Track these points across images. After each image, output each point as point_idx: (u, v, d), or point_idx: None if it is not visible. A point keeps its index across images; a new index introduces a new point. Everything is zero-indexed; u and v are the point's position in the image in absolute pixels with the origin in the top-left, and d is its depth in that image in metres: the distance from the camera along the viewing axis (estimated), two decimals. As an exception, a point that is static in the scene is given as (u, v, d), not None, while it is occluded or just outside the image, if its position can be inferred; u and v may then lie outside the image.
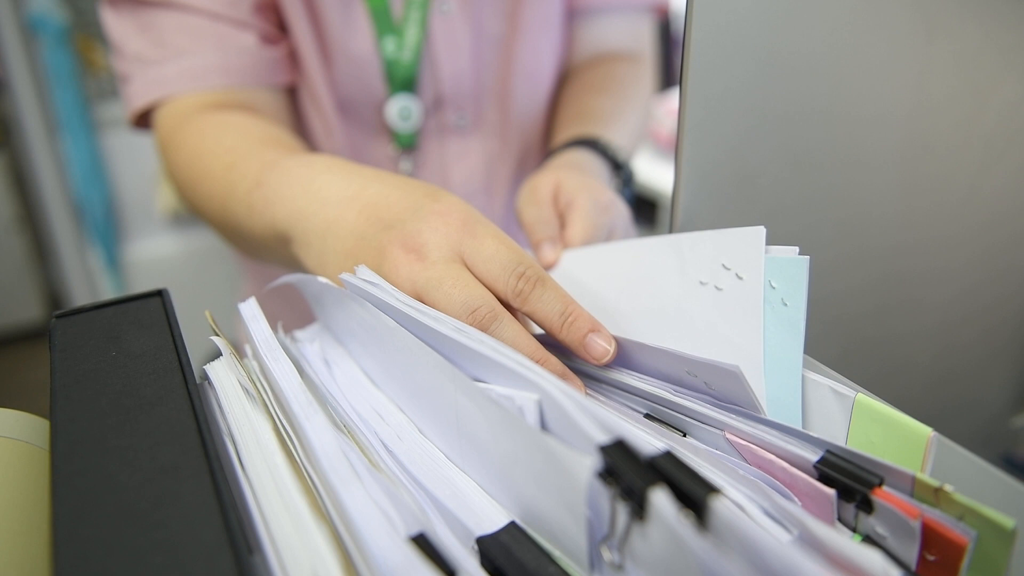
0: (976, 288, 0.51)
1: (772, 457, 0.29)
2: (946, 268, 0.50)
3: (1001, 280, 0.51)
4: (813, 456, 0.28)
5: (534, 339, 0.35)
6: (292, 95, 0.66)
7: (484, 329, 0.34)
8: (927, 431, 0.28)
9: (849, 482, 0.27)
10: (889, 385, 0.52)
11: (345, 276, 0.36)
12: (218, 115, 0.56)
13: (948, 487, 0.25)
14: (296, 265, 0.46)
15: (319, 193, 0.42)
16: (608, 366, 0.36)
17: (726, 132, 0.41)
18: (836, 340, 0.50)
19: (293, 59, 0.63)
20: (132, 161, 2.00)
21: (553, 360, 0.35)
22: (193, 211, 0.58)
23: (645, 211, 1.89)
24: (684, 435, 0.33)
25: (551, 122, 0.73)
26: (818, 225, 0.46)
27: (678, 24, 1.99)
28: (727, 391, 0.31)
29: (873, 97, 0.43)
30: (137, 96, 0.59)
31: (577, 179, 0.52)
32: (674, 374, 0.33)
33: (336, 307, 0.37)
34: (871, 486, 0.27)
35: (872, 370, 0.52)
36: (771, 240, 0.35)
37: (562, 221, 0.50)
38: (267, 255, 0.51)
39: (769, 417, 0.30)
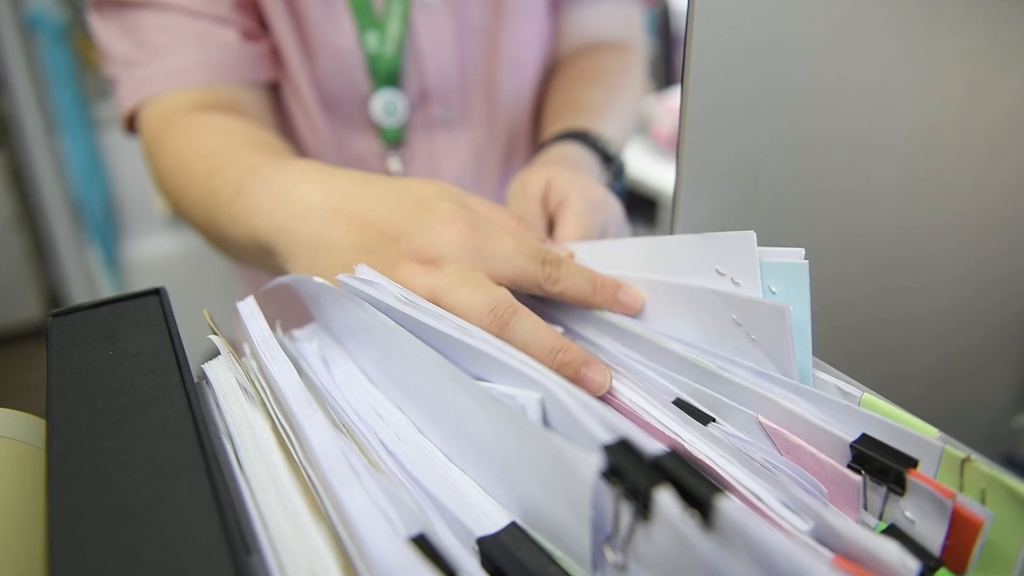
0: (979, 289, 0.51)
1: (802, 443, 0.30)
2: (949, 267, 0.50)
3: (1003, 281, 0.51)
4: (849, 436, 0.29)
5: (554, 330, 0.36)
6: (275, 93, 0.66)
7: (505, 324, 0.35)
8: (933, 432, 0.28)
9: (887, 460, 0.27)
10: (893, 386, 0.52)
11: (342, 277, 0.36)
12: (201, 117, 0.56)
13: (975, 456, 0.26)
14: (282, 274, 0.46)
15: (299, 203, 0.42)
16: (642, 333, 0.36)
17: (728, 132, 0.41)
18: (840, 340, 0.49)
19: (275, 56, 0.63)
20: (131, 160, 1.99)
21: (575, 348, 0.35)
22: (180, 216, 0.58)
23: (645, 210, 1.88)
24: (707, 423, 0.33)
25: (540, 114, 0.72)
26: (819, 224, 0.45)
27: (679, 22, 1.99)
28: (770, 338, 0.32)
29: (876, 96, 0.42)
30: (125, 98, 0.59)
31: (568, 176, 0.52)
32: (715, 326, 0.34)
33: (334, 307, 0.37)
34: (908, 465, 0.27)
35: (876, 371, 0.52)
36: (772, 240, 0.35)
37: (554, 220, 0.49)
38: (254, 263, 0.51)
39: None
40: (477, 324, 0.34)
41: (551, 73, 0.74)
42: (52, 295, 2.30)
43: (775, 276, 0.34)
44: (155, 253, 2.10)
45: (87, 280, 2.06)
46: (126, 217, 2.07)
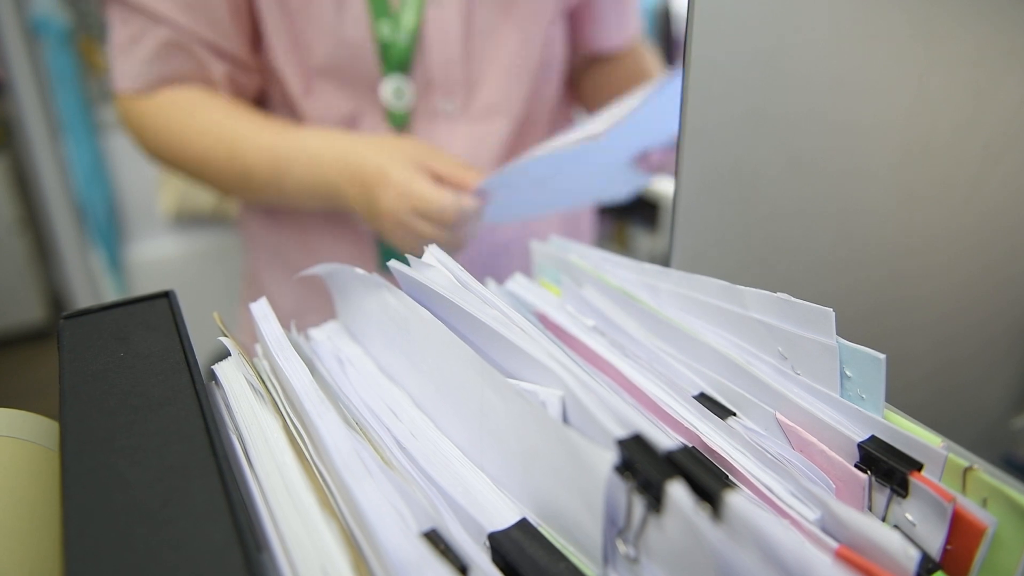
0: (977, 295, 0.51)
1: (813, 440, 0.30)
2: (947, 273, 0.50)
3: (1001, 286, 0.51)
4: (859, 436, 0.29)
5: None
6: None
7: None
8: (937, 441, 0.29)
9: (891, 462, 0.28)
10: (894, 391, 0.52)
11: (393, 264, 0.36)
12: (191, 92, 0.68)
13: (977, 466, 0.26)
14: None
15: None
16: (678, 325, 0.37)
17: (726, 134, 0.41)
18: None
19: (261, 91, 0.73)
20: (134, 162, 2.00)
21: None
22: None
23: (647, 213, 1.89)
24: (726, 418, 0.33)
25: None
26: (817, 227, 0.45)
27: (679, 26, 1.99)
28: (815, 376, 0.32)
29: (873, 99, 0.43)
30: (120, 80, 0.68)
31: None
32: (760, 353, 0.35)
33: (367, 298, 0.37)
34: (912, 468, 0.27)
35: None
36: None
37: None
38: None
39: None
40: None
41: (595, 74, 0.84)
42: (55, 298, 2.31)
43: (852, 361, 0.32)
44: (158, 255, 2.10)
45: (90, 282, 2.07)
46: (129, 220, 2.07)
